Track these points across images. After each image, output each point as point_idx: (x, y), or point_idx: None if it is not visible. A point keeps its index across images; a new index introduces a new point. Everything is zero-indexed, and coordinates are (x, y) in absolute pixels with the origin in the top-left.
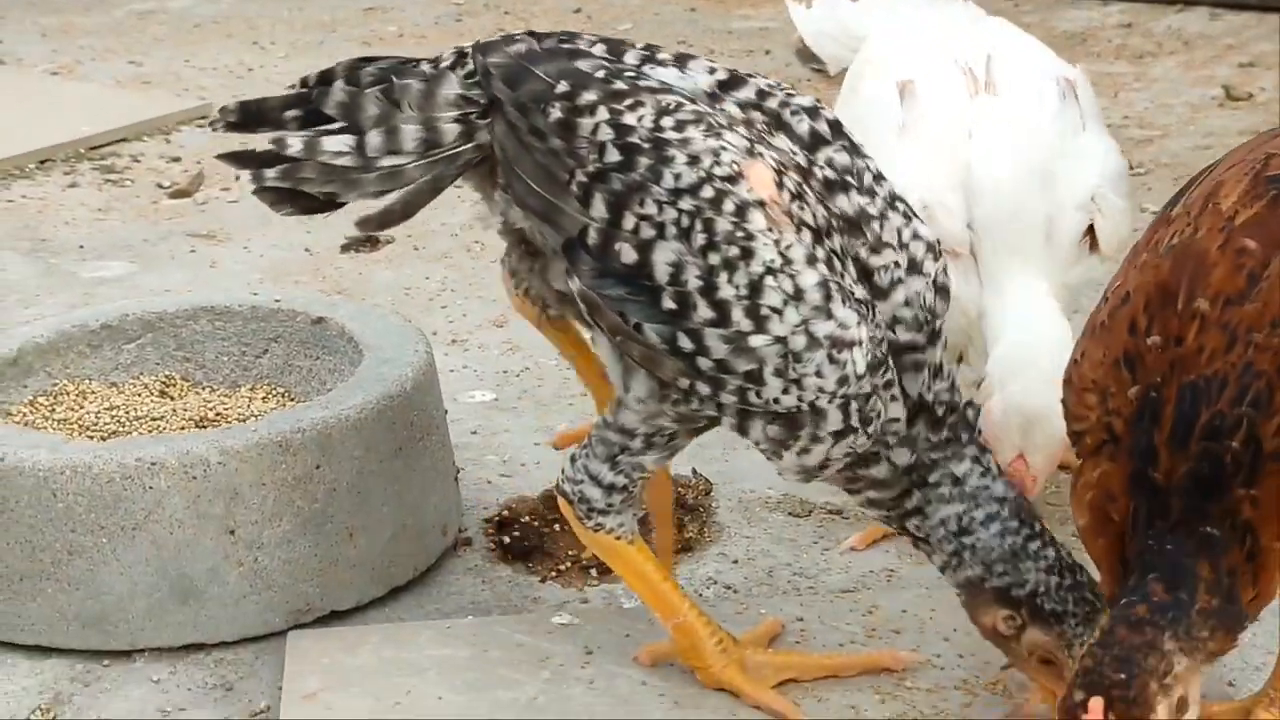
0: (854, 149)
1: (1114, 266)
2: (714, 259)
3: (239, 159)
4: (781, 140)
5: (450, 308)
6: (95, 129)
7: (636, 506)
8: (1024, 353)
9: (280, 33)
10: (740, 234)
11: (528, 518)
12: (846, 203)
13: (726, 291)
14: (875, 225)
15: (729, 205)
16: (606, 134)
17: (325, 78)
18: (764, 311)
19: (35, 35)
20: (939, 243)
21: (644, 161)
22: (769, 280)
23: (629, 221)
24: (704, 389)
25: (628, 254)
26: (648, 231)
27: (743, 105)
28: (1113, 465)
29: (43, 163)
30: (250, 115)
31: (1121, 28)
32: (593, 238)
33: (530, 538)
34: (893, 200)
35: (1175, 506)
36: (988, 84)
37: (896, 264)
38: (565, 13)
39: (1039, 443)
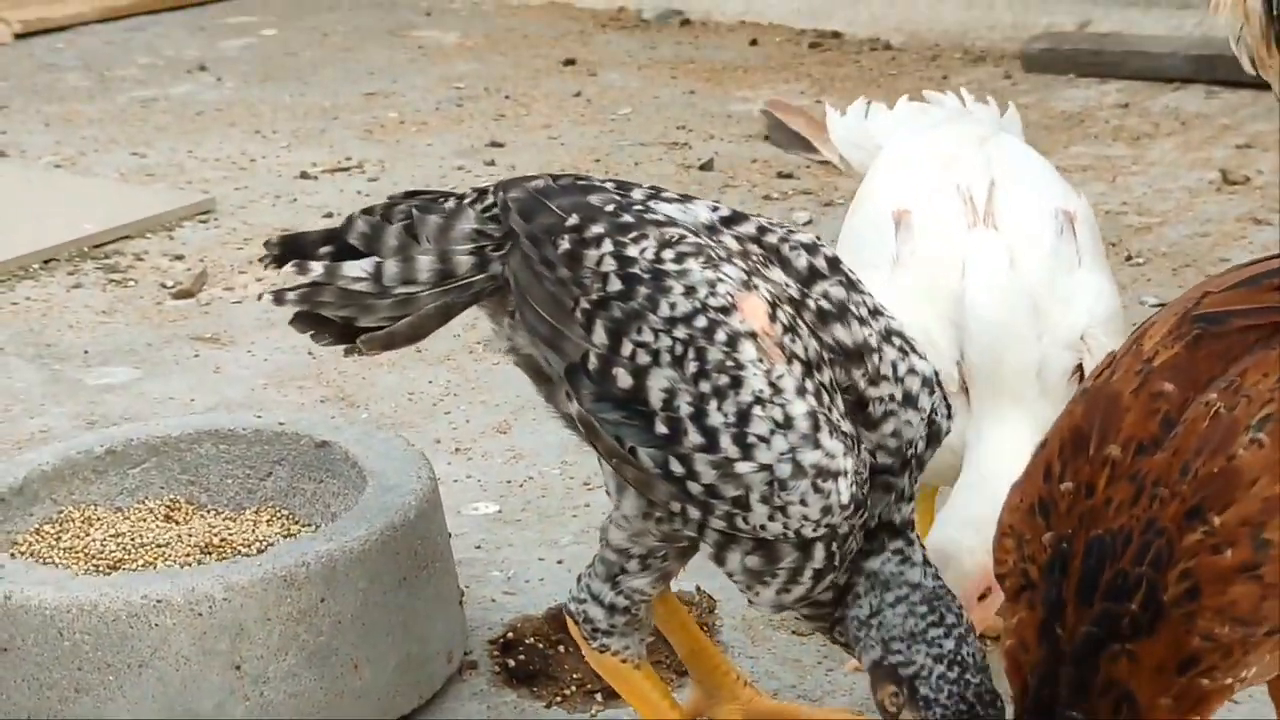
0: (851, 284)
1: None
2: (705, 386)
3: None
4: (776, 273)
5: (453, 413)
6: (99, 226)
7: (644, 631)
8: (957, 507)
9: (282, 120)
10: (730, 363)
11: (532, 638)
12: (845, 334)
13: (716, 419)
14: (875, 357)
15: (721, 335)
16: (610, 265)
17: (364, 213)
18: (750, 439)
19: (39, 125)
20: (937, 376)
21: (643, 291)
22: (757, 410)
23: (626, 348)
24: (695, 513)
25: (624, 379)
26: (644, 358)
27: (741, 239)
28: (1029, 613)
29: (47, 262)
30: (290, 249)
31: (1119, 107)
32: (593, 363)
33: (535, 660)
34: (888, 335)
35: (1063, 676)
36: (986, 215)
37: (892, 397)
38: (565, 97)
39: (949, 579)
